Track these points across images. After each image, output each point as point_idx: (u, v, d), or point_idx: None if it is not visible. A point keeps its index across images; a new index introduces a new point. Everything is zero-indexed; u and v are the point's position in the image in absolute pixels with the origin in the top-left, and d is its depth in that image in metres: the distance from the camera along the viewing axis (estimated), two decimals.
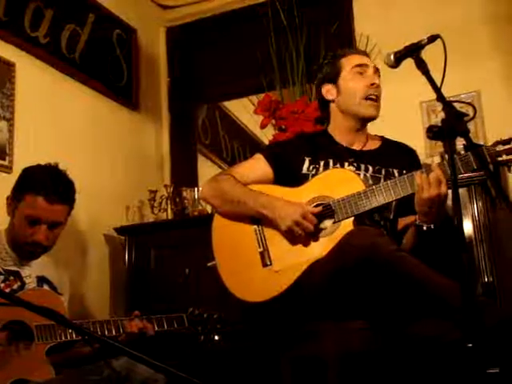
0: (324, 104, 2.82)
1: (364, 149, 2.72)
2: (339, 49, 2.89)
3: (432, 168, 2.31)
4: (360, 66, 2.69)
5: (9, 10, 3.36)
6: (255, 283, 2.48)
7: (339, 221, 2.42)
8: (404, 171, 2.51)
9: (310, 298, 2.35)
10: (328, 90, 2.75)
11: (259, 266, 2.49)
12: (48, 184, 2.59)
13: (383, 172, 2.62)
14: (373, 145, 2.76)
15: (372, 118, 2.71)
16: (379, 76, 2.72)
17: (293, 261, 2.43)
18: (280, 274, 2.43)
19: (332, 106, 2.77)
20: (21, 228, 2.58)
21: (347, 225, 2.40)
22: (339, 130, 2.75)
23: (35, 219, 2.57)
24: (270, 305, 2.42)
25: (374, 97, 2.65)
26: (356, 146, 2.73)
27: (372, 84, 2.65)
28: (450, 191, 2.25)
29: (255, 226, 2.55)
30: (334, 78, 2.73)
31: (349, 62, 2.71)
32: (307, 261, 2.40)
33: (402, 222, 2.64)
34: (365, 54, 2.82)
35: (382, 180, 2.55)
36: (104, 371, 2.41)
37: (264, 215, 2.50)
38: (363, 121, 2.72)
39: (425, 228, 2.37)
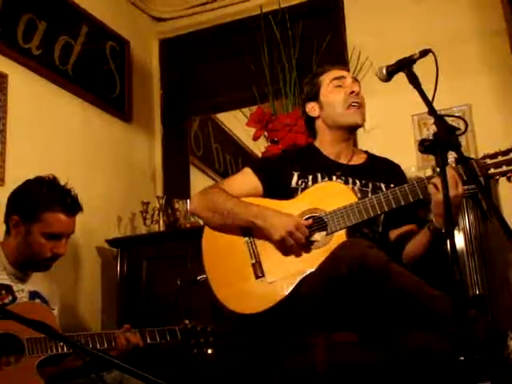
0: (310, 121, 2.84)
1: (350, 163, 2.73)
2: (318, 68, 2.96)
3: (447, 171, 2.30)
4: (337, 78, 2.73)
5: (2, 21, 3.37)
6: (249, 295, 2.47)
7: (332, 233, 2.43)
8: (392, 185, 2.52)
9: (303, 310, 2.35)
10: (311, 108, 2.79)
11: (252, 277, 2.48)
12: (64, 200, 2.64)
13: (370, 186, 2.62)
14: (359, 159, 2.77)
15: (357, 126, 2.72)
16: (359, 85, 2.75)
17: (286, 272, 2.43)
18: (274, 286, 2.42)
19: (317, 122, 2.79)
20: (40, 246, 2.59)
21: (340, 237, 2.41)
22: (326, 144, 2.76)
23: (58, 235, 2.62)
24: (263, 316, 2.41)
25: (356, 104, 2.67)
26: (343, 160, 2.73)
27: (351, 92, 2.68)
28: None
29: (246, 238, 2.55)
30: (315, 96, 2.77)
31: (327, 78, 2.76)
32: (301, 272, 2.40)
33: (396, 232, 2.64)
34: (342, 67, 2.88)
35: (370, 194, 2.56)
36: None
37: (256, 225, 2.49)
38: (349, 130, 2.73)
39: (444, 230, 2.33)
